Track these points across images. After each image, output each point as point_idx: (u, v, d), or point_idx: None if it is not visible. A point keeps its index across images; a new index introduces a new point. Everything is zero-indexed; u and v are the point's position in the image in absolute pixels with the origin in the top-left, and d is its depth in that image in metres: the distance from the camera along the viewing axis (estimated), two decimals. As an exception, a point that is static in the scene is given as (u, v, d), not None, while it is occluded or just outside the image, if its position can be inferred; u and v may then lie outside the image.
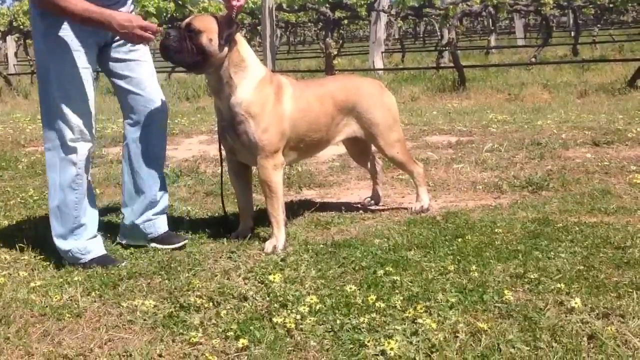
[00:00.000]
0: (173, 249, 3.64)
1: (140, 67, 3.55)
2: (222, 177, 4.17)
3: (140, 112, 3.56)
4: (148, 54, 3.63)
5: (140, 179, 3.63)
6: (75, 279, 3.22)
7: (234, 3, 3.56)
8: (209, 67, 3.52)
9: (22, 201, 4.78)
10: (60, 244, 3.44)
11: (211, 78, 3.60)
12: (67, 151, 3.33)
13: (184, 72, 13.32)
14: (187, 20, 3.53)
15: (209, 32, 3.43)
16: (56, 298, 2.99)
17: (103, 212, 4.44)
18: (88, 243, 3.45)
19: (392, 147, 4.19)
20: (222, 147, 3.88)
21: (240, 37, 3.60)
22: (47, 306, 2.92)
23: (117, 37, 3.39)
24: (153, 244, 3.69)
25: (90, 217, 3.49)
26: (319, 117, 3.88)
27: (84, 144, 3.35)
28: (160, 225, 3.73)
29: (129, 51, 3.51)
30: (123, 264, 3.41)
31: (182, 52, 3.44)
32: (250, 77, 3.57)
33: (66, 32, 3.24)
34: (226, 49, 3.48)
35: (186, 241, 3.70)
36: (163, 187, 3.73)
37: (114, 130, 8.34)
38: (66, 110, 3.28)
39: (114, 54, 3.48)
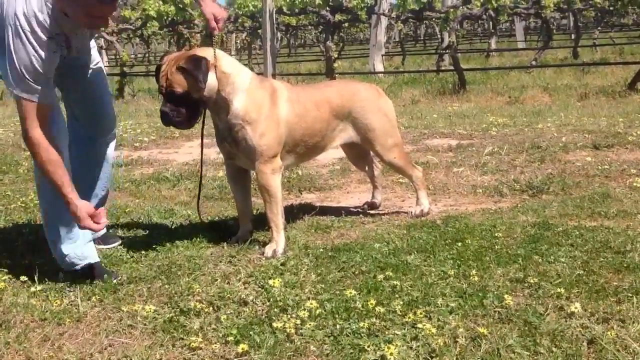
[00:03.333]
0: (109, 249, 3.71)
1: (90, 74, 3.55)
2: (200, 180, 4.26)
3: (87, 115, 3.59)
4: (98, 57, 3.64)
5: (84, 179, 3.60)
6: (76, 283, 3.22)
7: (213, 25, 3.60)
8: (209, 104, 3.55)
9: (23, 205, 4.78)
10: (57, 248, 3.36)
11: (209, 103, 3.58)
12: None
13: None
14: (163, 88, 3.46)
15: (182, 83, 3.39)
16: (56, 303, 2.99)
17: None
18: (84, 248, 3.37)
19: (389, 152, 4.19)
20: (203, 150, 4.00)
21: (218, 55, 3.54)
22: (47, 311, 2.92)
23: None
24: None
25: None
26: (315, 122, 3.88)
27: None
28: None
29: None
30: (119, 278, 3.32)
31: (186, 119, 3.49)
32: (240, 86, 3.56)
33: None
34: (212, 78, 3.46)
35: (119, 242, 3.78)
36: (104, 188, 3.78)
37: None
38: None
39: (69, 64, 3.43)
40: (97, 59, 3.61)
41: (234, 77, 3.56)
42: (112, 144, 3.78)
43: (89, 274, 3.31)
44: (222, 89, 3.52)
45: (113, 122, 3.76)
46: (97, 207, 3.62)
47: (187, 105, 3.45)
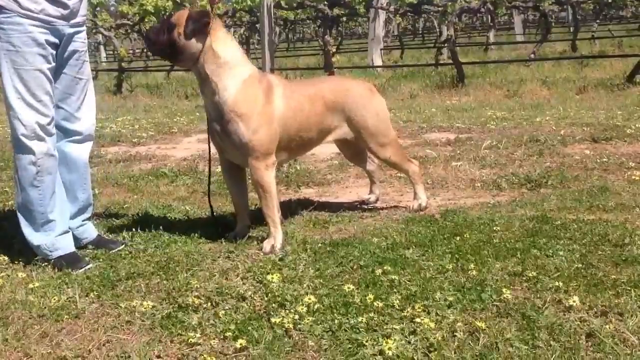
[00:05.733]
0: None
1: (78, 85, 3.54)
2: (209, 178, 4.18)
3: (69, 122, 3.55)
4: (89, 72, 3.65)
5: (70, 184, 3.62)
6: (74, 279, 3.22)
7: None
8: (182, 62, 3.65)
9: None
10: (31, 238, 3.46)
11: (194, 74, 3.68)
12: (23, 150, 3.32)
13: (182, 70, 13.33)
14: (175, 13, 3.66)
15: (179, 25, 3.51)
16: (54, 299, 2.99)
17: (102, 212, 4.45)
18: (57, 240, 3.45)
19: (383, 149, 4.18)
20: (211, 146, 3.88)
21: (221, 34, 3.60)
22: (45, 307, 2.91)
23: (74, 47, 3.44)
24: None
25: (60, 213, 3.48)
26: (309, 117, 3.87)
27: (39, 142, 3.32)
28: (92, 230, 3.78)
29: (78, 69, 3.52)
30: (88, 267, 3.39)
31: (156, 43, 3.61)
32: (234, 76, 3.57)
33: (16, 30, 3.21)
34: (198, 43, 3.51)
35: (123, 246, 3.71)
36: (89, 193, 3.75)
37: (112, 130, 8.34)
38: (19, 109, 3.27)
39: (65, 69, 3.47)
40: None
41: (225, 61, 3.57)
42: (88, 146, 3.70)
43: (63, 263, 3.41)
44: (206, 63, 3.55)
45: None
46: (80, 211, 3.68)
47: (167, 39, 3.54)
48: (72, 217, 3.64)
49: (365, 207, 4.46)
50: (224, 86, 3.56)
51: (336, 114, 4.02)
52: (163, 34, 3.54)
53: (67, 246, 3.50)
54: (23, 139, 3.30)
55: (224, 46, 3.58)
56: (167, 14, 13.38)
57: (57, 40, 3.34)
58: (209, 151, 3.96)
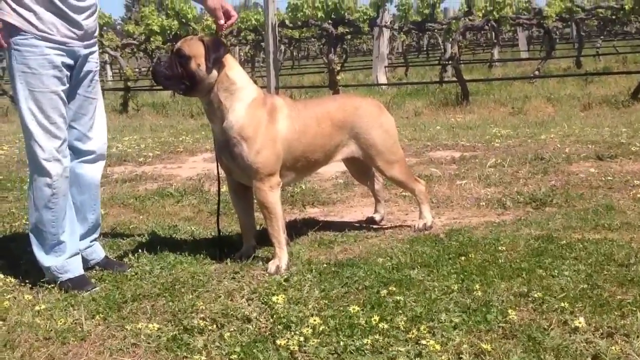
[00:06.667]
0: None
1: (91, 105, 3.57)
2: (219, 197, 4.17)
3: (82, 142, 3.58)
4: (100, 91, 3.67)
5: (81, 205, 3.63)
6: (80, 301, 3.23)
7: (221, 22, 3.62)
8: (198, 92, 3.60)
9: (27, 223, 4.79)
10: (41, 259, 3.47)
11: (203, 101, 3.66)
12: (40, 172, 3.35)
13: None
14: (177, 45, 3.59)
15: (197, 57, 3.49)
16: (61, 322, 2.99)
17: (109, 232, 4.47)
18: (67, 262, 3.46)
19: (391, 168, 4.19)
20: (219, 167, 3.89)
21: (230, 60, 3.63)
22: (51, 330, 2.93)
23: (88, 68, 3.48)
24: None
25: (71, 234, 3.50)
26: (316, 138, 3.89)
27: (56, 164, 3.35)
28: (100, 251, 3.79)
29: (90, 89, 3.55)
30: (94, 289, 3.41)
31: (171, 78, 3.54)
32: (242, 99, 3.59)
33: (32, 52, 3.24)
34: (215, 72, 3.52)
35: (130, 268, 3.71)
36: (98, 213, 3.76)
37: (119, 149, 8.38)
38: (37, 133, 3.30)
39: (79, 89, 3.50)
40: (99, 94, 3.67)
41: (237, 86, 3.59)
42: (100, 165, 3.72)
43: (70, 285, 3.42)
44: (220, 91, 3.55)
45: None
46: (88, 232, 3.69)
47: (184, 72, 3.49)
48: (81, 238, 3.65)
49: (371, 226, 4.46)
50: (232, 110, 3.58)
51: (344, 132, 4.04)
52: (177, 68, 3.50)
53: (76, 269, 3.50)
54: (43, 162, 3.32)
55: (234, 71, 3.61)
56: (174, 34, 13.49)
57: (72, 62, 3.38)
58: (218, 174, 3.98)
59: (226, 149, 3.65)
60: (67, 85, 3.38)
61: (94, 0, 3.45)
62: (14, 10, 3.21)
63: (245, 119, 3.58)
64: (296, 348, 2.63)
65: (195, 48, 3.50)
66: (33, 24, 3.22)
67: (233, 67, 3.62)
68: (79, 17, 3.33)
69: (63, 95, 3.35)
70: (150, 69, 3.65)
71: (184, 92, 3.62)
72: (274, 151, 3.66)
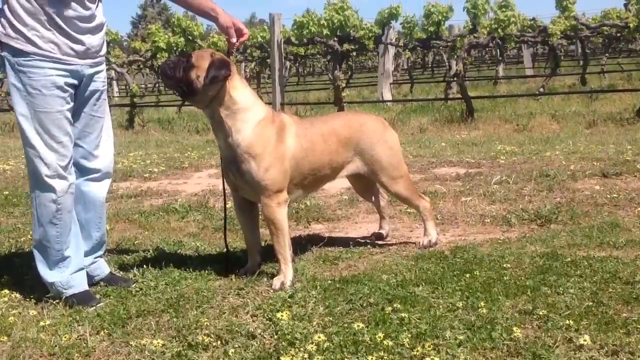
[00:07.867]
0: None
1: (97, 124, 3.59)
2: (225, 212, 4.17)
3: (87, 160, 3.59)
4: (107, 110, 3.69)
5: (86, 222, 3.64)
6: (84, 317, 3.23)
7: (233, 40, 3.64)
8: (195, 102, 3.69)
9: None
10: (45, 275, 3.47)
11: (205, 114, 3.72)
12: (44, 188, 3.36)
13: (193, 105, 13.43)
14: (194, 51, 3.69)
15: (199, 68, 3.52)
16: (65, 337, 2.99)
17: (114, 248, 4.48)
18: (71, 277, 3.47)
19: (395, 184, 4.20)
20: (225, 183, 3.91)
21: (237, 80, 3.64)
22: (56, 345, 2.92)
23: (94, 87, 3.50)
24: None
25: (75, 250, 3.51)
26: (322, 155, 3.91)
27: (60, 181, 3.36)
28: (104, 267, 3.80)
29: (97, 108, 3.57)
30: (99, 305, 3.41)
31: (171, 78, 3.60)
32: (248, 119, 3.61)
33: (36, 74, 3.26)
34: (213, 90, 3.55)
35: (134, 284, 3.71)
36: (103, 231, 3.77)
37: (124, 165, 8.42)
38: (41, 150, 3.32)
39: (85, 108, 3.52)
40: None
41: (241, 106, 3.61)
42: (106, 184, 3.73)
43: (74, 301, 3.42)
44: (220, 108, 3.59)
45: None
46: (93, 249, 3.70)
47: (183, 77, 3.54)
48: (85, 255, 3.65)
49: (375, 243, 4.46)
50: (237, 129, 3.60)
51: (350, 149, 4.06)
52: (179, 72, 3.55)
53: (80, 284, 3.51)
54: (47, 179, 3.34)
55: (239, 92, 3.63)
56: (180, 50, 13.58)
57: (76, 82, 3.39)
58: (224, 189, 3.99)
59: (234, 165, 3.66)
60: (72, 104, 3.40)
61: (100, 20, 3.48)
62: (17, 31, 3.23)
63: (253, 138, 3.60)
64: (300, 365, 2.62)
65: (201, 60, 3.54)
66: (35, 43, 3.24)
67: (238, 88, 3.63)
68: (83, 37, 3.36)
69: (68, 114, 3.37)
70: (160, 64, 3.72)
71: (181, 95, 3.70)
72: (282, 168, 3.68)
